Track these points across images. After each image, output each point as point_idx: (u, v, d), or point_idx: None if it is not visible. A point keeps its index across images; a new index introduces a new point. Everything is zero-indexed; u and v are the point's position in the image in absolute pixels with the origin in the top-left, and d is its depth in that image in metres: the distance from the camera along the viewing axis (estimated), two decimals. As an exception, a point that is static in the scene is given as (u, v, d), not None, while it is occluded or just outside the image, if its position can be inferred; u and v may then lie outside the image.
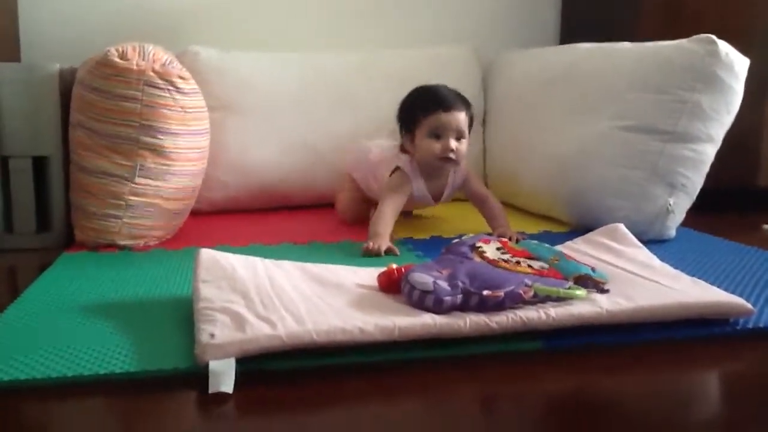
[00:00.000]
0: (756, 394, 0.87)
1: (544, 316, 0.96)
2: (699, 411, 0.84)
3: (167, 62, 1.55)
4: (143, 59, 1.52)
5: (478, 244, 1.17)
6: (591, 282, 1.08)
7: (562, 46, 2.03)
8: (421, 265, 1.08)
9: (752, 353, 0.99)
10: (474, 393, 0.87)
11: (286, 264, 1.16)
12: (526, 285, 1.00)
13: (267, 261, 1.16)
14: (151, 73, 1.50)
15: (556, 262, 1.14)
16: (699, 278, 1.15)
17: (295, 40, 2.23)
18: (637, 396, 0.86)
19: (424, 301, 0.97)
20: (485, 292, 0.97)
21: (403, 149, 1.65)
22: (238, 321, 0.91)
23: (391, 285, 1.07)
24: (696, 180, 1.60)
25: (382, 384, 0.87)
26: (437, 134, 1.55)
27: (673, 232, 1.61)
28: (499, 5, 2.39)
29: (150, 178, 1.52)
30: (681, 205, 1.60)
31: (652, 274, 1.16)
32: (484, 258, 1.13)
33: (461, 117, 1.55)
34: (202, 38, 2.08)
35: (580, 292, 1.03)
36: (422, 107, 1.58)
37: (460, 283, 0.99)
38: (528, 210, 1.75)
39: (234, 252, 1.43)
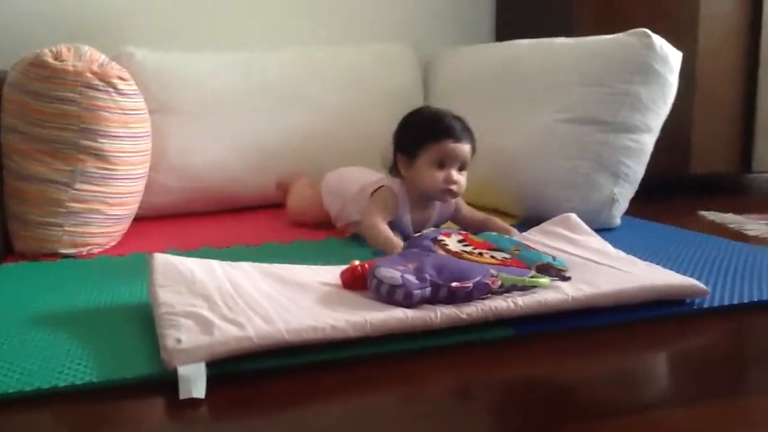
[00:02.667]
0: (715, 369, 0.90)
1: (512, 305, 0.98)
2: (664, 387, 0.86)
3: (105, 63, 1.49)
4: (79, 60, 1.46)
5: (440, 237, 1.17)
6: (553, 270, 1.10)
7: (501, 42, 2.07)
8: (385, 260, 1.08)
9: (709, 331, 1.02)
10: (449, 382, 0.87)
11: (244, 265, 1.14)
12: (492, 275, 1.01)
13: (224, 263, 1.13)
14: (89, 75, 1.45)
15: (517, 252, 1.16)
16: (661, 263, 1.19)
17: (234, 39, 2.19)
18: (605, 376, 0.87)
19: (393, 295, 0.97)
20: (454, 284, 0.97)
21: (394, 173, 1.53)
22: (205, 324, 0.88)
23: (355, 281, 1.06)
24: (637, 169, 1.65)
25: (355, 379, 0.86)
26: (441, 163, 1.46)
27: (618, 221, 1.66)
28: (437, 3, 2.41)
29: (91, 184, 1.46)
30: (625, 193, 1.65)
31: (609, 260, 1.19)
32: (447, 251, 1.13)
33: (467, 149, 1.47)
34: (136, 39, 2.01)
35: (544, 279, 1.05)
36: (430, 133, 1.47)
37: (428, 276, 0.99)
38: (475, 204, 1.76)
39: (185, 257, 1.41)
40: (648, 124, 1.63)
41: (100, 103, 1.45)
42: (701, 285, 1.08)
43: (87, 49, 1.50)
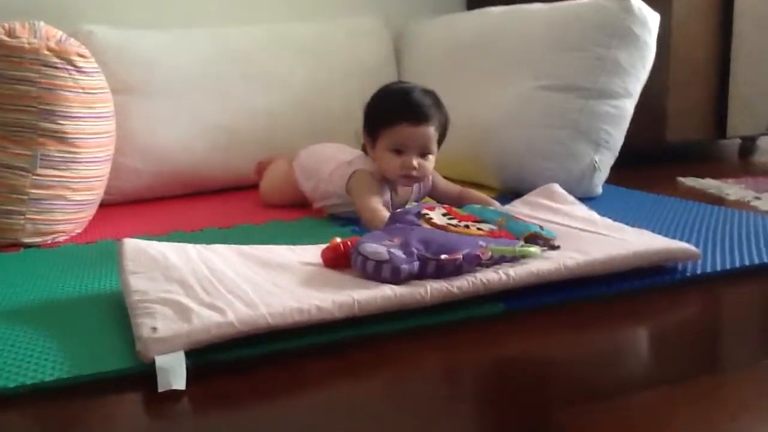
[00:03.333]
0: (710, 342, 0.88)
1: (504, 277, 0.94)
2: (660, 358, 0.84)
3: (63, 39, 1.41)
4: (35, 37, 1.38)
5: (424, 211, 1.13)
6: (541, 240, 1.07)
7: (472, 11, 2.02)
8: (369, 236, 1.03)
9: (703, 299, 1.00)
10: (438, 364, 0.83)
11: (220, 248, 1.08)
12: (482, 246, 0.97)
13: (198, 246, 1.07)
14: (46, 52, 1.37)
15: (503, 223, 1.12)
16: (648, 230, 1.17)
17: (199, 14, 2.11)
18: (597, 354, 0.84)
19: (380, 271, 0.92)
20: (443, 256, 0.93)
21: (366, 151, 1.47)
22: (182, 311, 0.83)
23: (338, 260, 1.02)
24: (617, 136, 1.62)
25: (342, 364, 0.82)
26: (398, 149, 1.38)
27: (600, 189, 1.63)
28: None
29: (53, 168, 1.38)
30: (605, 161, 1.62)
31: (597, 228, 1.16)
32: (432, 224, 1.09)
33: (428, 132, 1.36)
34: (93, 16, 1.92)
35: (534, 249, 1.01)
36: (386, 116, 1.39)
37: (415, 250, 0.95)
38: (452, 178, 1.72)
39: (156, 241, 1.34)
40: (628, 89, 1.60)
41: (59, 82, 1.38)
42: (693, 248, 1.06)
43: (42, 25, 1.41)
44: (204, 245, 1.07)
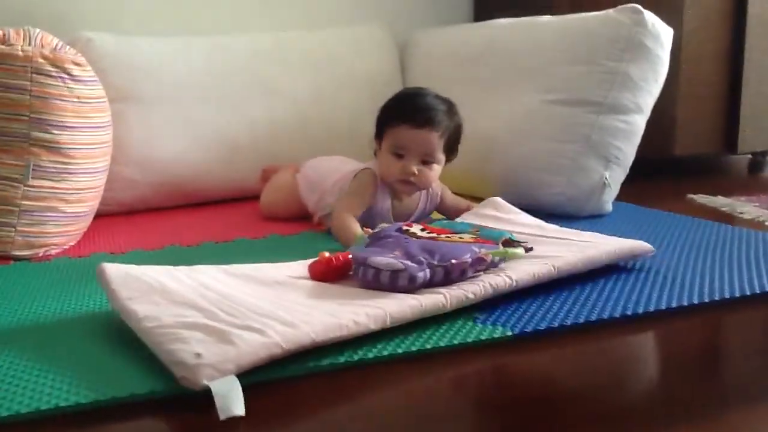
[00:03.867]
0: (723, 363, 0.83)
1: (509, 280, 0.99)
2: (661, 396, 0.79)
3: (58, 47, 1.37)
4: (29, 44, 1.34)
5: (405, 227, 1.13)
6: (516, 244, 1.10)
7: (480, 22, 1.98)
8: (366, 250, 1.02)
9: (728, 325, 0.96)
10: (444, 388, 0.79)
11: (205, 268, 1.03)
12: (482, 250, 1.00)
13: (181, 268, 1.02)
14: (41, 60, 1.33)
15: (477, 232, 1.14)
16: (657, 254, 1.19)
17: (200, 23, 2.07)
18: (603, 382, 0.80)
19: (396, 281, 0.94)
20: (453, 261, 0.96)
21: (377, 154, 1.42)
22: (217, 334, 0.78)
23: (327, 273, 1.02)
24: (629, 152, 1.58)
25: (346, 386, 0.78)
26: (399, 152, 1.33)
27: (609, 207, 1.59)
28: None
29: (46, 179, 1.34)
30: (616, 178, 1.58)
31: (555, 233, 1.23)
32: (419, 237, 1.08)
33: (430, 137, 1.31)
34: (93, 23, 1.88)
35: (519, 250, 1.07)
36: (390, 116, 1.35)
37: (423, 259, 0.97)
38: (456, 192, 1.68)
39: (150, 257, 1.30)
40: (639, 104, 1.55)
41: (53, 91, 1.33)
42: (648, 245, 1.15)
43: (38, 33, 1.37)
44: (188, 267, 1.03)
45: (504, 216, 1.33)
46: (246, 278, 1.01)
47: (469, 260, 0.97)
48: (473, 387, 0.80)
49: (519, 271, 1.00)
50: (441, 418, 0.72)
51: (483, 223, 1.27)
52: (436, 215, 1.51)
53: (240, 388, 0.71)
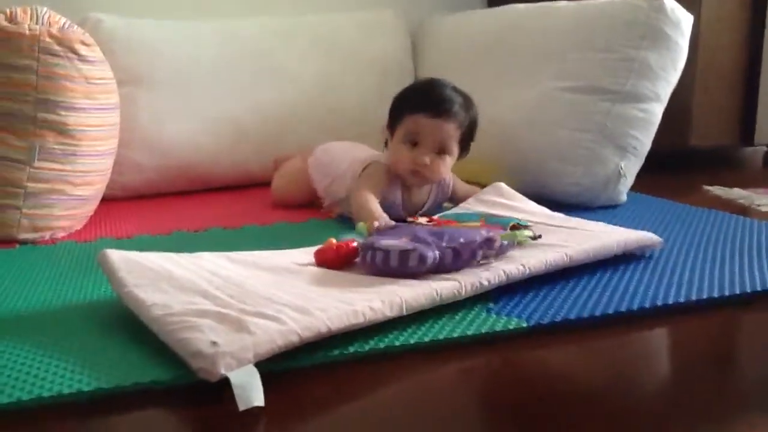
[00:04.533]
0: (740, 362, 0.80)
1: (522, 268, 0.97)
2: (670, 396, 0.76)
3: (66, 26, 1.35)
4: (36, 22, 1.31)
5: (410, 219, 1.15)
6: (524, 229, 1.09)
7: (494, 8, 1.94)
8: (377, 236, 1.01)
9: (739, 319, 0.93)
10: (455, 381, 0.76)
11: (207, 255, 1.01)
12: (492, 233, 1.00)
13: (183, 255, 1.00)
14: (48, 39, 1.30)
15: (485, 220, 1.15)
16: (674, 246, 1.17)
17: (209, 5, 2.04)
18: (617, 379, 0.77)
19: (407, 260, 0.93)
20: (461, 240, 0.95)
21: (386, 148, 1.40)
22: (232, 322, 0.76)
23: (335, 260, 1.00)
24: (645, 142, 1.55)
25: (359, 378, 0.76)
26: (413, 140, 1.31)
27: (624, 197, 1.55)
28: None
29: (52, 161, 1.32)
30: (631, 168, 1.54)
31: (562, 222, 1.21)
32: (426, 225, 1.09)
33: (447, 127, 1.29)
34: (103, 5, 1.86)
35: (528, 232, 1.07)
36: (405, 106, 1.32)
37: (431, 241, 0.95)
38: (468, 181, 1.66)
39: (157, 242, 1.28)
40: (657, 93, 1.52)
41: (61, 71, 1.31)
42: (657, 237, 1.13)
43: (45, 11, 1.35)
44: (189, 254, 1.01)
45: (509, 203, 1.31)
46: (251, 265, 0.99)
47: (478, 240, 0.96)
48: (486, 380, 0.78)
49: (532, 259, 0.99)
50: (452, 412, 0.70)
51: (488, 210, 1.26)
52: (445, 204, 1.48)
53: (259, 378, 0.69)
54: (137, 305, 0.83)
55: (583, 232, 1.14)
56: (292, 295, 0.86)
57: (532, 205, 1.31)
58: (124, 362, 0.76)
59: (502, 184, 1.37)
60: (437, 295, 0.88)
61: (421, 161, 1.30)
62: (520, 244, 1.04)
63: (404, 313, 0.85)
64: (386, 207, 1.35)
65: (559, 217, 1.24)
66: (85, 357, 0.78)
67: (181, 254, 1.00)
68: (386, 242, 0.95)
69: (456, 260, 0.95)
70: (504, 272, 0.95)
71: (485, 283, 0.92)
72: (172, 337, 0.75)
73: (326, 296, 0.86)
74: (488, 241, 0.97)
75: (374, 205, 1.27)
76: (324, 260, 1.01)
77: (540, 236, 1.09)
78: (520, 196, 1.34)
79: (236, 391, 0.66)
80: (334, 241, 1.03)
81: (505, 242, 1.01)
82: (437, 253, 0.93)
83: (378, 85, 1.95)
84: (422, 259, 0.92)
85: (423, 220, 1.17)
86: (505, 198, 1.32)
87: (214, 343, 0.71)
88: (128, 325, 0.84)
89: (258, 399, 0.66)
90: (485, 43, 1.82)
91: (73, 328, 0.87)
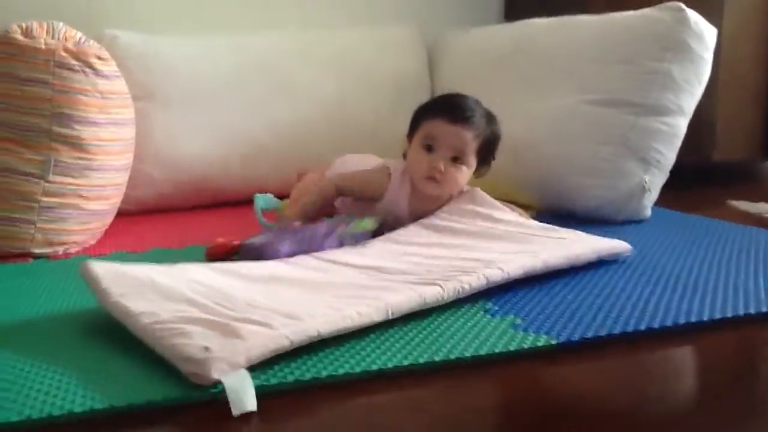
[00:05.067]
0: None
1: (500, 272, 1.00)
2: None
3: (81, 40, 1.34)
4: (53, 37, 1.30)
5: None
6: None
7: (512, 22, 1.92)
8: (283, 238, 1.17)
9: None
10: (480, 403, 0.73)
11: (188, 265, 1.00)
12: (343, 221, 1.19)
13: (164, 265, 0.98)
14: (63, 53, 1.29)
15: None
16: (704, 262, 1.16)
17: (224, 21, 2.04)
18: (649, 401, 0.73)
19: (264, 253, 1.11)
20: (296, 223, 1.18)
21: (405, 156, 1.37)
22: (222, 328, 0.75)
23: (221, 253, 1.20)
24: (669, 155, 1.51)
25: (374, 395, 0.72)
26: (430, 146, 1.29)
27: (649, 212, 1.51)
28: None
29: (66, 175, 1.30)
30: (656, 182, 1.51)
31: (537, 231, 1.23)
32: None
33: (464, 134, 1.26)
34: (119, 21, 1.85)
35: (366, 221, 1.22)
36: (425, 113, 1.31)
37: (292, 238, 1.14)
38: (490, 195, 1.63)
39: (171, 256, 1.25)
40: (681, 106, 1.49)
41: (76, 85, 1.30)
42: (626, 244, 1.18)
43: (62, 26, 1.34)
44: (171, 265, 0.99)
45: (483, 211, 1.29)
46: (232, 274, 0.99)
47: (320, 234, 1.15)
48: (511, 399, 0.74)
49: (510, 264, 1.02)
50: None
51: (466, 219, 1.27)
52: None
53: (251, 383, 0.68)
54: (124, 315, 0.82)
55: (558, 240, 1.17)
56: (277, 302, 0.86)
57: (508, 214, 1.30)
58: (137, 378, 0.74)
59: (478, 190, 1.34)
60: (421, 298, 0.90)
61: (436, 166, 1.27)
62: (364, 228, 1.20)
63: (390, 317, 0.86)
64: (389, 213, 1.33)
65: (534, 225, 1.27)
66: (97, 373, 0.75)
67: (163, 264, 0.99)
68: (258, 240, 1.16)
69: (309, 243, 1.14)
70: (485, 276, 0.98)
71: (466, 287, 0.95)
72: (162, 344, 0.74)
73: (312, 302, 0.87)
74: (327, 234, 1.16)
75: (309, 199, 1.35)
76: (213, 254, 1.19)
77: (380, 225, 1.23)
78: (495, 202, 1.33)
79: (230, 396, 0.66)
80: (221, 240, 1.22)
81: (357, 231, 1.19)
82: (287, 248, 1.12)
83: (394, 101, 1.93)
84: (275, 253, 1.10)
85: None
86: (477, 205, 1.31)
87: (206, 348, 0.70)
88: (135, 339, 0.82)
89: (251, 404, 0.66)
90: (503, 57, 1.79)
91: (85, 343, 0.85)
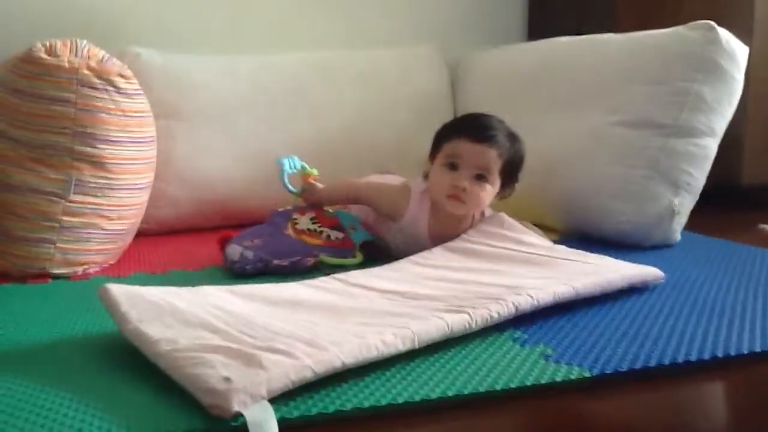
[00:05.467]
0: None
1: (530, 299, 0.97)
2: None
3: (104, 59, 1.33)
4: (76, 55, 1.30)
5: (294, 216, 1.36)
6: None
7: (537, 41, 1.89)
8: (246, 232, 1.31)
9: None
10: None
11: (208, 288, 0.98)
12: (314, 255, 1.26)
13: (184, 288, 0.97)
14: (86, 71, 1.29)
15: (353, 230, 1.34)
16: (738, 289, 1.13)
17: (247, 40, 2.03)
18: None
19: (232, 269, 1.24)
20: (275, 262, 1.23)
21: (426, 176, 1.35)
22: (243, 357, 0.73)
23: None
24: (699, 178, 1.47)
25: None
26: (454, 164, 1.27)
27: (678, 236, 1.47)
28: (463, 1, 2.24)
29: (87, 195, 1.29)
30: (685, 205, 1.47)
31: (561, 254, 1.21)
32: (295, 229, 1.32)
33: (489, 152, 1.25)
34: (142, 39, 1.85)
35: (358, 258, 1.28)
36: (450, 131, 1.30)
37: (262, 255, 1.24)
38: (513, 217, 1.60)
39: (191, 278, 1.24)
40: (712, 127, 1.45)
41: (98, 104, 1.29)
42: (659, 272, 1.14)
43: (85, 44, 1.34)
44: (188, 288, 0.97)
45: (510, 234, 1.28)
46: (254, 298, 0.97)
47: (287, 263, 1.24)
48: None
49: (540, 291, 0.99)
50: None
51: (493, 241, 1.25)
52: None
53: (273, 415, 0.66)
54: (143, 341, 0.80)
55: (588, 265, 1.14)
56: (300, 327, 0.84)
57: (534, 238, 1.29)
58: (155, 407, 0.71)
59: (503, 215, 1.33)
60: (448, 327, 0.87)
61: (460, 184, 1.25)
62: (342, 267, 1.23)
63: (416, 346, 0.83)
64: (409, 233, 1.32)
65: (562, 250, 1.23)
66: (114, 401, 0.73)
67: (183, 288, 0.97)
68: (230, 249, 1.26)
69: (279, 270, 1.24)
70: (513, 304, 0.95)
71: (495, 315, 0.92)
72: (181, 373, 0.72)
73: (336, 329, 0.84)
74: (300, 265, 1.25)
75: (332, 188, 1.43)
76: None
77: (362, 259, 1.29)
78: (522, 227, 1.32)
79: (252, 430, 0.64)
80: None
81: (324, 264, 1.26)
82: (258, 264, 1.23)
83: (417, 120, 1.91)
84: (242, 270, 1.23)
85: (309, 215, 1.38)
86: (505, 229, 1.30)
87: (227, 379, 0.68)
88: (157, 367, 0.79)
89: None
90: (528, 77, 1.77)
91: (103, 369, 0.83)
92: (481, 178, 1.26)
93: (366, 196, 1.40)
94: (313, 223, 1.35)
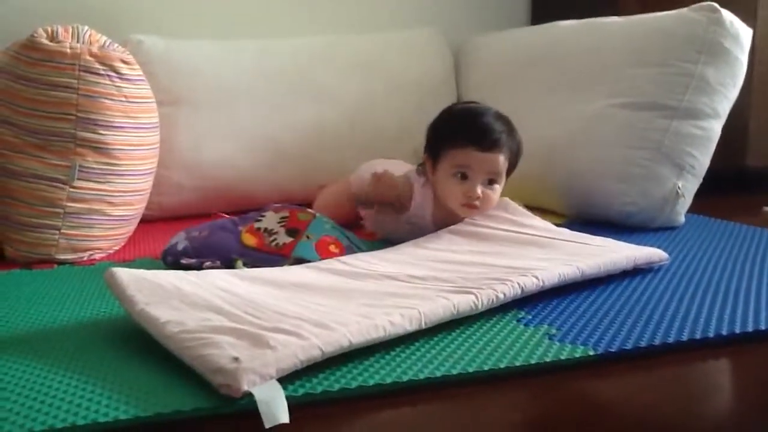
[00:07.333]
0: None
1: (535, 281, 0.98)
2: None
3: (106, 44, 1.33)
4: (78, 41, 1.30)
5: (265, 213, 1.25)
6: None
7: (540, 25, 1.88)
8: (207, 224, 1.25)
9: None
10: (516, 416, 0.70)
11: (213, 272, 1.00)
12: (232, 257, 1.16)
13: (190, 272, 0.98)
14: (89, 57, 1.28)
15: (308, 239, 1.20)
16: (743, 270, 1.12)
17: (249, 25, 2.02)
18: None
19: (165, 258, 1.20)
20: (206, 263, 1.15)
21: (420, 171, 1.35)
22: (251, 338, 0.74)
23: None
24: (703, 160, 1.47)
25: (409, 411, 0.69)
26: (464, 174, 1.26)
27: (682, 218, 1.47)
28: (465, -14, 2.24)
29: (91, 181, 1.30)
30: (689, 187, 1.46)
31: (565, 236, 1.20)
32: (250, 226, 1.22)
33: (498, 160, 1.24)
34: (145, 26, 1.85)
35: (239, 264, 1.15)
36: (452, 137, 1.26)
37: (189, 248, 1.19)
38: (517, 201, 1.59)
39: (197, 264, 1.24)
40: (716, 109, 1.44)
41: (101, 90, 1.29)
42: (663, 252, 1.15)
43: (86, 30, 1.34)
44: (197, 271, 0.99)
45: (513, 218, 1.27)
46: (260, 281, 0.97)
47: (218, 263, 1.16)
48: (551, 411, 0.71)
49: (545, 272, 1.00)
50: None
51: (493, 224, 1.24)
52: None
53: (283, 394, 0.67)
54: (150, 323, 0.81)
55: (592, 247, 1.15)
56: (307, 309, 0.84)
57: (538, 221, 1.29)
58: (163, 388, 0.72)
59: (508, 200, 1.32)
60: (454, 308, 0.87)
61: (474, 195, 1.26)
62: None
63: (423, 326, 0.83)
64: (414, 224, 1.32)
65: (565, 233, 1.23)
66: (122, 382, 0.74)
67: (189, 272, 0.98)
68: (175, 237, 1.23)
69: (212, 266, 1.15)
70: (519, 285, 0.95)
71: (501, 296, 0.93)
72: (190, 354, 0.73)
73: (342, 310, 0.84)
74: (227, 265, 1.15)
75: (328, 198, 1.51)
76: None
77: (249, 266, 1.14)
78: (526, 212, 1.31)
79: (261, 408, 0.64)
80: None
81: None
82: (192, 261, 1.17)
83: (419, 105, 1.91)
84: (175, 262, 1.18)
85: (282, 214, 1.25)
86: (509, 213, 1.29)
87: (236, 359, 0.69)
88: (159, 346, 0.80)
89: (283, 415, 0.64)
90: (531, 60, 1.76)
91: (110, 351, 0.83)
92: (491, 182, 1.28)
93: (365, 195, 1.40)
94: (278, 223, 1.23)
